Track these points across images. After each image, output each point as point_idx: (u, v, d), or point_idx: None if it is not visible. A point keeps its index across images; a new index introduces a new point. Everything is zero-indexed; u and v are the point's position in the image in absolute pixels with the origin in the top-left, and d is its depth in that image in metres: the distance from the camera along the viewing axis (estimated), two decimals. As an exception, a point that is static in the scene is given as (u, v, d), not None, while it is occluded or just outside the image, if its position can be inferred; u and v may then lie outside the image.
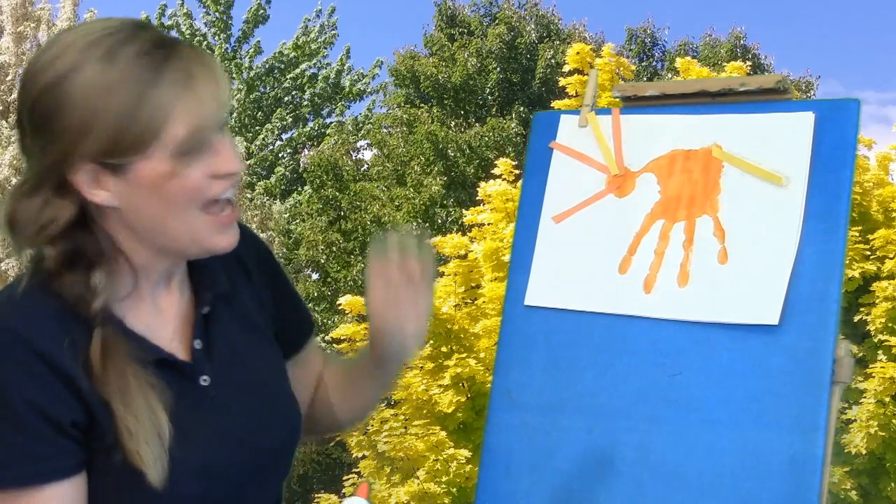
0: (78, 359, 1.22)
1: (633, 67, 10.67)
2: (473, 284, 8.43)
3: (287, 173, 24.14)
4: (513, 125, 19.15)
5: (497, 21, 21.15)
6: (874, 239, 8.54)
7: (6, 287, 1.31)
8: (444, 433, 7.90)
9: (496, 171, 8.63)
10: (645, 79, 20.04)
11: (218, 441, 1.32)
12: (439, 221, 18.26)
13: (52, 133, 1.21)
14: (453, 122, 19.97)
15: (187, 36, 24.65)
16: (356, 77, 25.64)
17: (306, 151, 24.32)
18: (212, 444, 1.31)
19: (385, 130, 20.68)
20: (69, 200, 1.23)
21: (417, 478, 8.02)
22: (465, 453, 7.86)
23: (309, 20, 25.85)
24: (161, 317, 1.33)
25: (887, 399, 8.22)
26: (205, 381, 1.33)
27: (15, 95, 15.53)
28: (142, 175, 1.22)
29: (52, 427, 1.21)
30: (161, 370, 1.28)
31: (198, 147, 1.23)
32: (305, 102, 25.37)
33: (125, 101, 1.19)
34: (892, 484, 8.44)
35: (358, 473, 9.09)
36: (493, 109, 20.46)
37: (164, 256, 1.30)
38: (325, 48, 25.75)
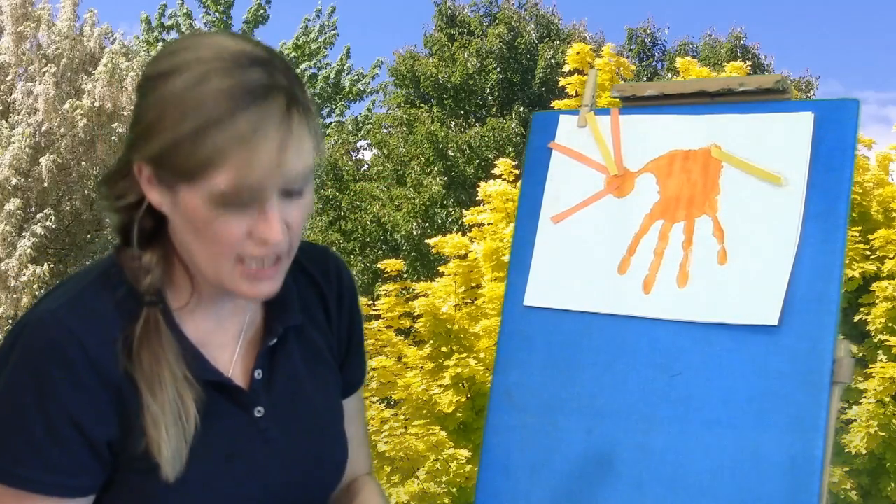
0: (124, 351, 1.21)
1: (633, 67, 10.66)
2: (473, 284, 8.42)
3: (287, 173, 24.07)
4: (513, 125, 19.14)
5: (497, 21, 21.14)
6: (874, 239, 8.54)
7: (72, 276, 1.31)
8: (444, 433, 7.89)
9: (496, 171, 8.63)
10: (645, 79, 20.04)
11: (261, 474, 1.30)
12: (439, 221, 18.25)
13: (136, 116, 1.22)
14: (453, 122, 19.96)
15: (187, 36, 24.62)
16: (356, 77, 25.65)
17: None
18: (255, 476, 1.29)
19: (385, 130, 20.67)
20: (136, 184, 1.23)
21: (417, 478, 8.02)
22: (465, 453, 7.85)
23: (309, 20, 25.85)
24: (222, 335, 1.31)
25: (887, 399, 8.21)
26: (259, 412, 1.30)
27: (15, 95, 15.54)
28: (184, 202, 1.19)
29: (86, 445, 1.20)
30: (216, 392, 1.27)
31: (241, 204, 1.18)
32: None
33: (189, 127, 1.15)
34: (892, 484, 8.43)
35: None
36: (493, 109, 20.45)
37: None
38: (325, 48, 25.76)
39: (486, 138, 18.87)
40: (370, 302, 8.64)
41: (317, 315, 1.39)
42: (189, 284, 1.28)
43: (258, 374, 1.31)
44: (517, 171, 8.44)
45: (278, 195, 1.19)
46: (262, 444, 1.30)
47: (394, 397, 8.26)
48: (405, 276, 15.14)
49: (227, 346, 1.32)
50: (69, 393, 1.18)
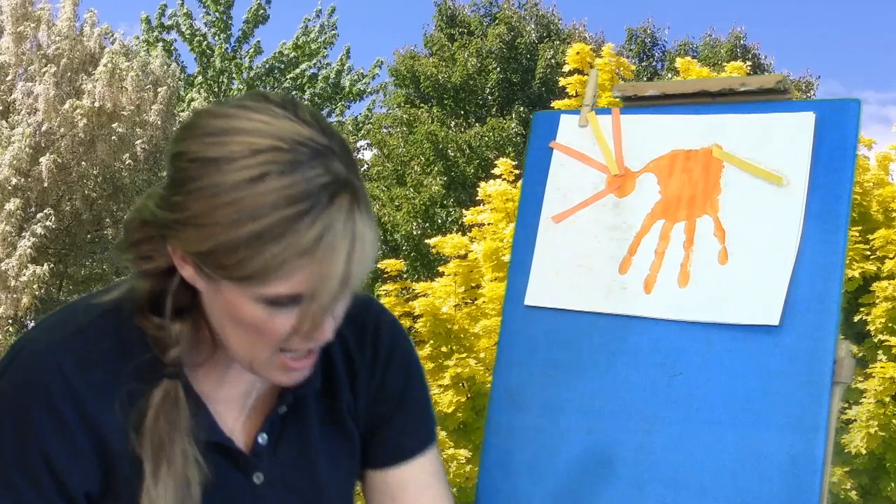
0: (128, 411, 1.14)
1: (633, 67, 10.65)
2: (473, 284, 8.41)
3: (287, 173, 24.08)
4: (513, 125, 19.14)
5: (497, 21, 21.14)
6: (874, 239, 8.53)
7: (72, 307, 1.21)
8: (444, 433, 7.89)
9: (496, 171, 8.62)
10: (645, 79, 20.03)
11: None
12: (439, 221, 18.25)
13: (175, 193, 1.10)
14: (453, 122, 19.96)
15: (187, 36, 24.65)
16: (356, 77, 25.65)
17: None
18: None
19: (385, 130, 20.66)
20: (165, 252, 1.14)
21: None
22: (465, 453, 7.85)
23: (309, 20, 25.85)
24: (229, 389, 1.23)
25: (887, 399, 8.20)
26: (258, 478, 1.23)
27: (15, 95, 15.53)
28: (228, 295, 1.10)
29: (60, 490, 1.13)
30: (214, 454, 1.19)
31: (297, 305, 1.09)
32: (305, 102, 25.33)
33: (245, 233, 1.05)
34: (892, 484, 8.43)
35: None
36: (493, 109, 20.45)
37: None
38: (325, 48, 25.76)
39: (486, 138, 18.88)
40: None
41: (342, 379, 1.30)
42: (210, 347, 1.20)
43: (262, 438, 1.24)
44: (517, 171, 8.43)
45: (337, 297, 1.10)
46: None
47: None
48: (405, 276, 15.13)
49: (233, 402, 1.24)
50: (49, 434, 1.12)
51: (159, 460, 1.14)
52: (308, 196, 1.05)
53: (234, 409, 1.24)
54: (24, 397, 1.13)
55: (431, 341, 8.11)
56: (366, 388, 1.32)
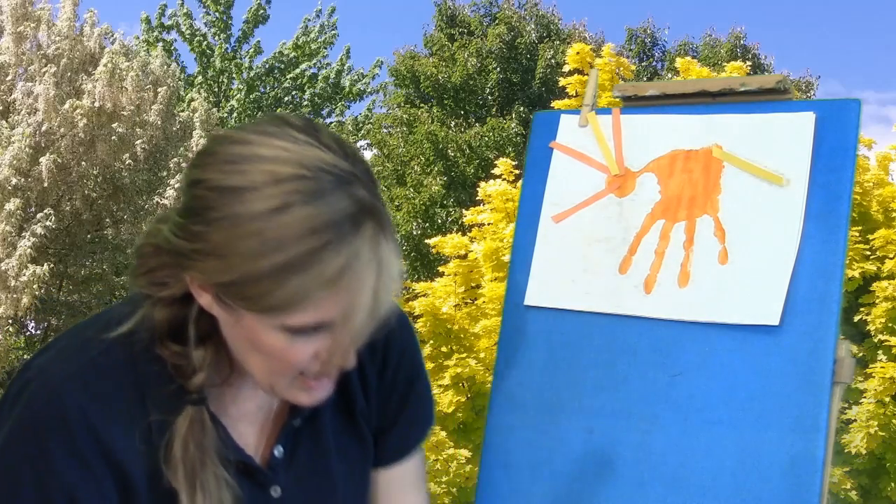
0: (151, 443, 1.12)
1: (633, 67, 10.66)
2: (473, 284, 8.42)
3: (287, 173, 24.08)
4: (513, 125, 19.14)
5: (497, 21, 21.14)
6: (874, 239, 8.53)
7: (86, 334, 1.17)
8: (444, 433, 7.89)
9: (496, 171, 8.62)
10: (645, 79, 20.03)
11: None
12: (439, 221, 18.24)
13: (194, 222, 1.07)
14: (453, 122, 19.96)
15: (187, 36, 24.66)
16: (356, 77, 25.64)
17: (306, 151, 24.24)
18: None
19: (385, 130, 20.66)
20: (182, 279, 1.11)
21: (417, 478, 8.01)
22: (465, 453, 7.85)
23: (309, 20, 25.84)
24: (243, 404, 1.22)
25: (887, 399, 8.20)
26: (275, 491, 1.22)
27: (15, 95, 15.53)
28: (249, 325, 1.08)
29: None
30: (233, 471, 1.17)
31: (321, 333, 1.08)
32: (305, 102, 25.36)
33: (268, 264, 1.02)
34: (892, 484, 8.43)
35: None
36: (493, 109, 20.44)
37: None
38: (325, 48, 25.75)
39: (486, 138, 18.87)
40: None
41: (354, 385, 1.29)
42: (229, 369, 1.18)
43: (278, 451, 1.22)
44: (517, 171, 8.44)
45: (362, 324, 1.08)
46: None
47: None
48: (405, 276, 15.12)
49: (248, 417, 1.22)
50: (70, 470, 1.09)
51: (193, 488, 1.12)
52: (333, 225, 1.02)
53: (250, 424, 1.22)
54: (41, 431, 1.10)
55: (431, 341, 8.11)
56: (376, 392, 1.31)
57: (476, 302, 8.39)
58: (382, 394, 1.32)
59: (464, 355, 7.93)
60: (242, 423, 1.21)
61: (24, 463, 1.10)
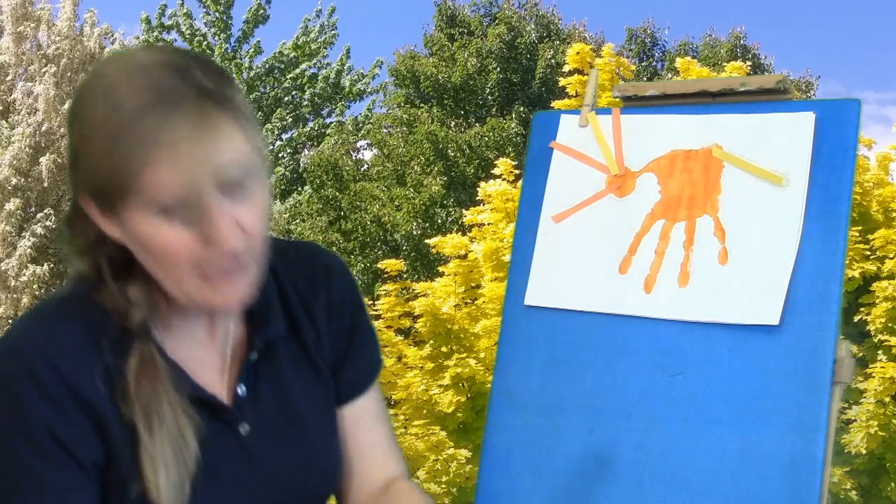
0: (110, 384, 1.18)
1: (633, 67, 10.66)
2: (473, 284, 8.42)
3: (287, 173, 24.14)
4: (513, 125, 19.14)
5: (497, 21, 21.14)
6: (874, 239, 8.53)
7: (37, 304, 1.27)
8: (444, 433, 7.89)
9: (496, 171, 8.62)
10: (645, 79, 20.04)
11: (247, 493, 1.27)
12: (439, 221, 18.24)
13: (67, 152, 1.18)
14: (453, 122, 19.96)
15: (187, 36, 24.66)
16: (356, 77, 25.65)
17: (306, 151, 24.32)
18: (240, 496, 1.26)
19: (385, 130, 20.66)
20: (91, 222, 1.19)
21: (417, 478, 8.01)
22: (465, 453, 7.85)
23: (309, 20, 25.85)
24: (203, 350, 1.28)
25: (887, 399, 8.21)
26: (244, 429, 1.27)
27: (15, 95, 15.54)
28: (130, 224, 1.15)
29: (73, 461, 1.17)
30: (199, 410, 1.22)
31: (181, 208, 1.13)
32: (305, 102, 25.38)
33: (104, 141, 1.12)
34: (892, 484, 8.43)
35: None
36: (493, 109, 20.44)
37: None
38: (325, 48, 25.76)
39: (486, 138, 18.87)
40: (370, 302, 8.64)
41: (303, 321, 1.35)
42: (167, 305, 1.23)
43: (241, 389, 1.28)
44: (517, 171, 8.44)
45: (217, 192, 1.13)
46: (247, 462, 1.27)
47: (394, 397, 8.25)
48: (405, 276, 15.13)
49: (210, 362, 1.28)
50: (46, 411, 1.15)
51: (150, 418, 1.18)
52: (155, 91, 1.11)
53: (211, 368, 1.28)
54: (13, 386, 1.16)
55: (431, 341, 8.12)
56: (325, 329, 1.37)
57: (476, 302, 8.40)
58: (331, 328, 1.37)
59: (464, 355, 7.93)
60: (205, 369, 1.27)
61: (7, 421, 1.16)
